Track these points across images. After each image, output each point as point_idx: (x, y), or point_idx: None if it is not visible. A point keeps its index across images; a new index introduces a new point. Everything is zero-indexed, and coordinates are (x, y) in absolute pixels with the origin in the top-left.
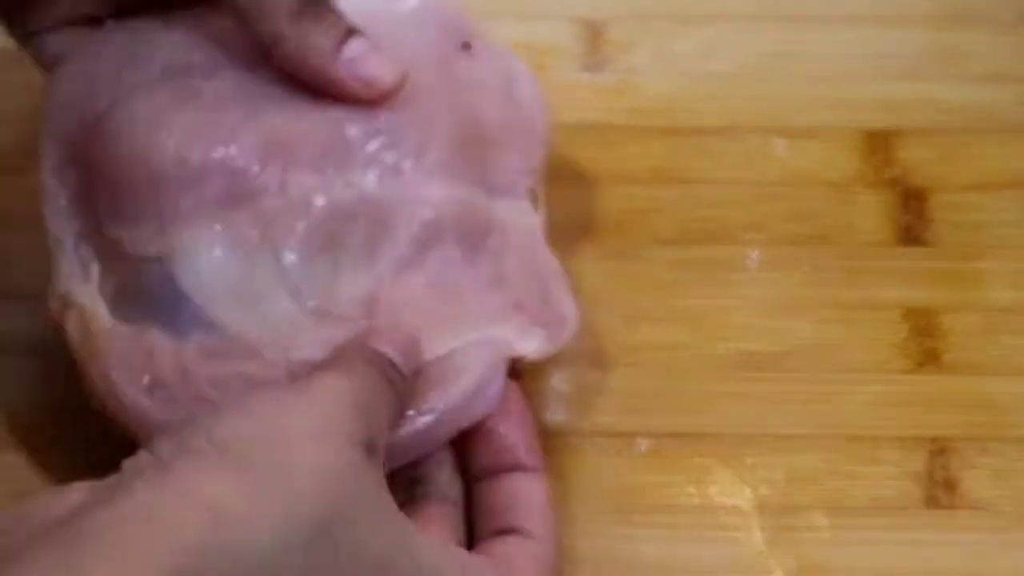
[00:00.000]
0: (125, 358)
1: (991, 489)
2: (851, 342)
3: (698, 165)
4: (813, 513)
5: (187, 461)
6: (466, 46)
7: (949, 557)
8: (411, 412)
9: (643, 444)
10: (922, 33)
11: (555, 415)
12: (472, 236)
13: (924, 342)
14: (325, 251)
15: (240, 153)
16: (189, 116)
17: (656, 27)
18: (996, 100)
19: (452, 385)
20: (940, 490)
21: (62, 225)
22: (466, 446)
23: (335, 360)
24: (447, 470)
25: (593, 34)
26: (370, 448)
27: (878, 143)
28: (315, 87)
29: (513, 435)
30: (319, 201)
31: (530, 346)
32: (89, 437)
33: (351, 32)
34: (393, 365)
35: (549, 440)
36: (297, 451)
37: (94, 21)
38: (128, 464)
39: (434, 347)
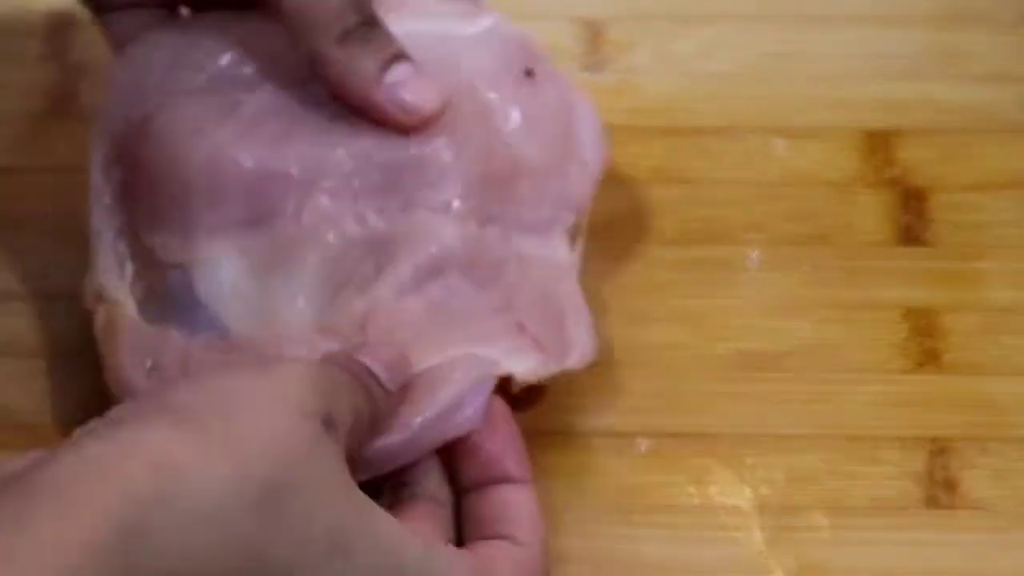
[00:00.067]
0: (135, 343)
1: (991, 489)
2: (851, 342)
3: (698, 165)
4: (813, 513)
5: (137, 420)
6: (528, 73)
7: (949, 557)
8: (392, 421)
9: (643, 444)
10: (922, 33)
11: (555, 415)
12: (481, 269)
13: (924, 342)
14: (331, 277)
15: (265, 176)
16: (225, 131)
17: (656, 27)
18: (996, 100)
19: (433, 397)
20: (940, 490)
21: (103, 221)
22: (454, 460)
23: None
24: (435, 474)
25: (593, 34)
26: (327, 423)
27: (878, 143)
28: (356, 109)
29: (500, 448)
30: (328, 236)
31: (520, 366)
32: None
33: (397, 56)
34: (370, 372)
35: (549, 440)
36: (248, 415)
37: (166, 7)
38: (81, 428)
39: (424, 362)
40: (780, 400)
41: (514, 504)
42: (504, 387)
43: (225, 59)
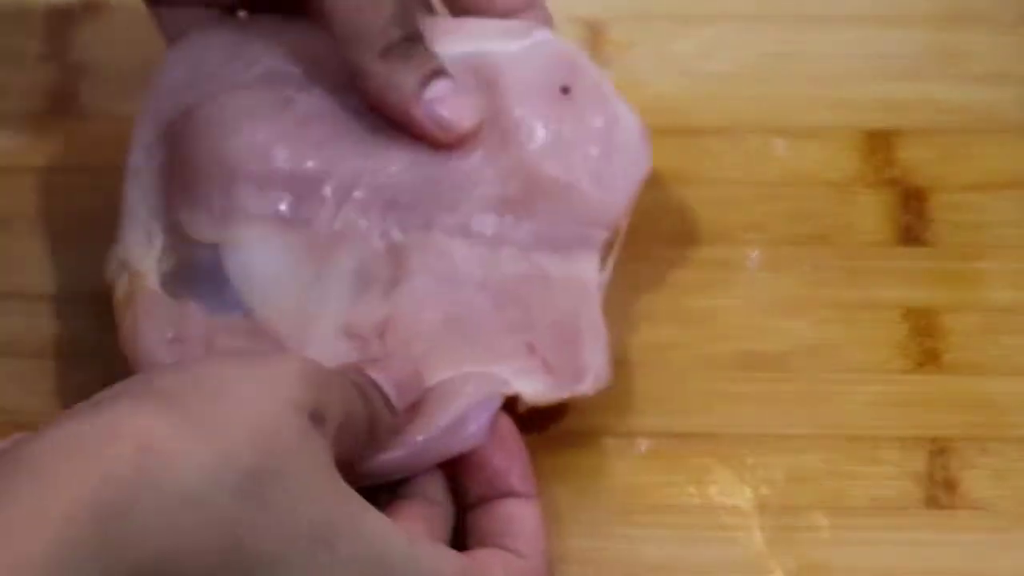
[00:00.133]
0: (157, 313)
1: (991, 489)
2: (851, 342)
3: (698, 165)
4: (813, 513)
5: (121, 401)
6: (565, 91)
7: (949, 557)
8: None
9: (643, 444)
10: (922, 33)
11: (555, 416)
12: (497, 289)
13: (924, 342)
14: (356, 282)
15: (308, 176)
16: (276, 126)
17: (656, 27)
18: (996, 100)
19: (438, 413)
20: (940, 490)
21: (139, 200)
22: (460, 475)
23: None
24: (433, 478)
25: (593, 34)
26: (315, 418)
27: (878, 143)
28: (393, 123)
29: (505, 463)
30: (356, 244)
31: (528, 388)
32: None
33: (437, 72)
34: (378, 389)
35: (549, 441)
36: (234, 403)
37: (222, 7)
38: (67, 409)
39: (436, 375)
40: (780, 400)
41: (518, 518)
42: (512, 406)
43: (278, 57)
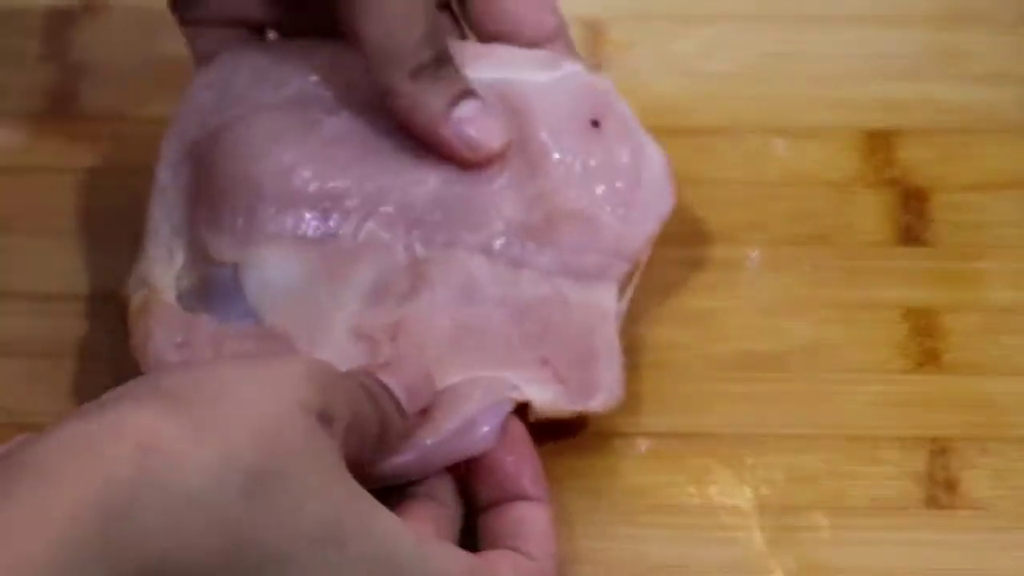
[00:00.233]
0: (167, 321)
1: (991, 489)
2: (851, 342)
3: (698, 165)
4: (813, 513)
5: (124, 401)
6: (595, 124)
7: (949, 557)
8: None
9: (643, 444)
10: (922, 33)
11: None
12: (515, 307)
13: (924, 342)
14: (372, 292)
15: (334, 196)
16: (302, 148)
17: (656, 27)
18: (996, 100)
19: (448, 416)
20: (940, 490)
21: (164, 215)
22: (471, 479)
23: None
24: (444, 482)
25: (593, 34)
26: (323, 418)
27: (878, 143)
28: (422, 142)
29: (516, 466)
30: (378, 257)
31: (539, 396)
32: None
33: (466, 93)
34: (388, 392)
35: (548, 442)
36: (238, 404)
37: (253, 28)
38: (71, 411)
39: (446, 380)
40: (780, 400)
41: (529, 520)
42: (524, 415)
43: (307, 80)
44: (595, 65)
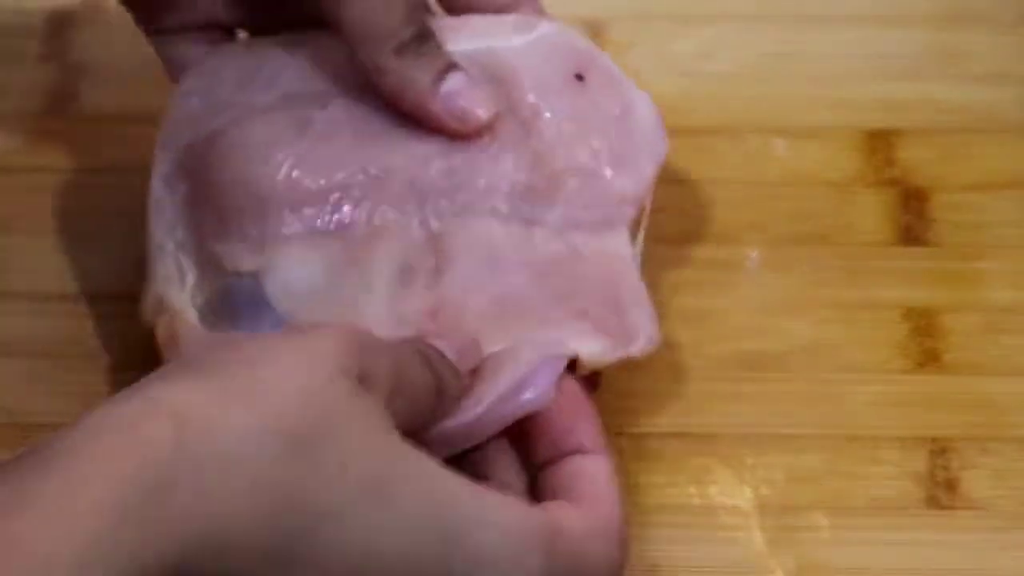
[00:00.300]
0: (201, 343)
1: (991, 489)
2: (851, 342)
3: (698, 165)
4: (813, 513)
5: (155, 382)
6: (579, 77)
7: (949, 557)
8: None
9: (643, 444)
10: (922, 33)
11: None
12: (536, 266)
13: (924, 342)
14: (400, 273)
15: (340, 187)
16: (301, 146)
17: (656, 27)
18: (996, 100)
19: (500, 378)
20: (940, 490)
21: (165, 234)
22: (528, 440)
23: None
24: (506, 460)
25: (593, 34)
26: (364, 380)
27: (878, 143)
28: (411, 118)
29: (571, 420)
30: (396, 236)
31: (586, 348)
32: None
33: (451, 66)
34: (440, 354)
35: None
36: (273, 369)
37: (222, 30)
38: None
39: (492, 348)
40: (780, 400)
41: (588, 473)
42: (573, 371)
43: (293, 76)
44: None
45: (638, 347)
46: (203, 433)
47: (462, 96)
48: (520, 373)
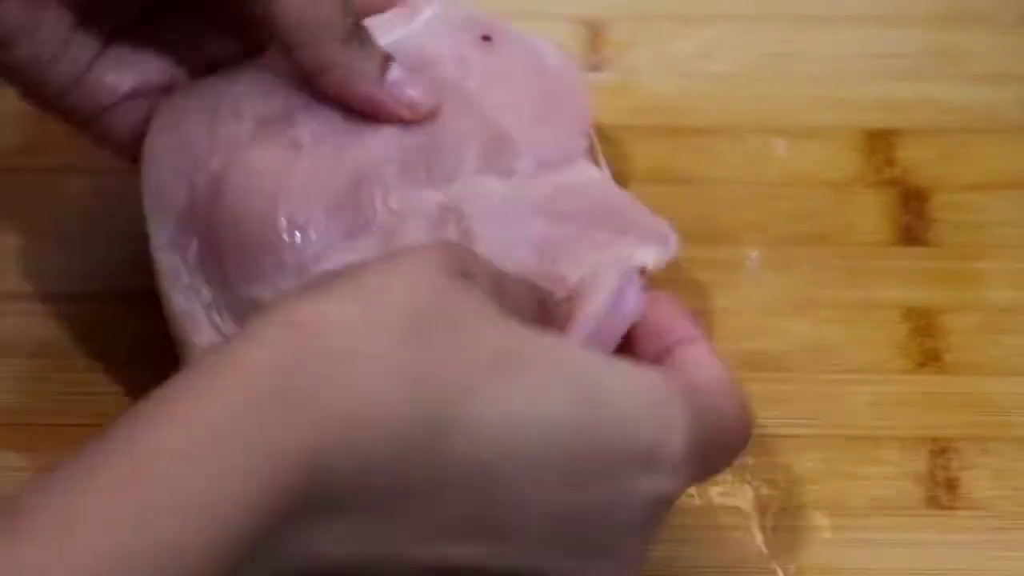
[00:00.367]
0: None
1: (991, 489)
2: (851, 342)
3: (698, 165)
4: (813, 513)
5: (254, 322)
6: (486, 39)
7: (949, 557)
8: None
9: None
10: (922, 33)
11: None
12: (544, 206)
13: (924, 342)
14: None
15: (350, 190)
16: (299, 165)
17: (656, 27)
18: (996, 100)
19: (592, 299)
20: (940, 490)
21: (190, 298)
22: (628, 351)
23: None
24: None
25: (593, 34)
26: (467, 275)
27: (878, 143)
28: (360, 111)
29: (667, 316)
30: (419, 216)
31: (649, 256)
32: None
33: (389, 57)
34: (528, 279)
35: None
36: (377, 275)
37: (159, 89)
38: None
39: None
40: (780, 400)
41: (694, 354)
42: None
43: (253, 103)
44: (595, 65)
45: (672, 243)
46: (323, 332)
47: (408, 84)
48: (613, 289)
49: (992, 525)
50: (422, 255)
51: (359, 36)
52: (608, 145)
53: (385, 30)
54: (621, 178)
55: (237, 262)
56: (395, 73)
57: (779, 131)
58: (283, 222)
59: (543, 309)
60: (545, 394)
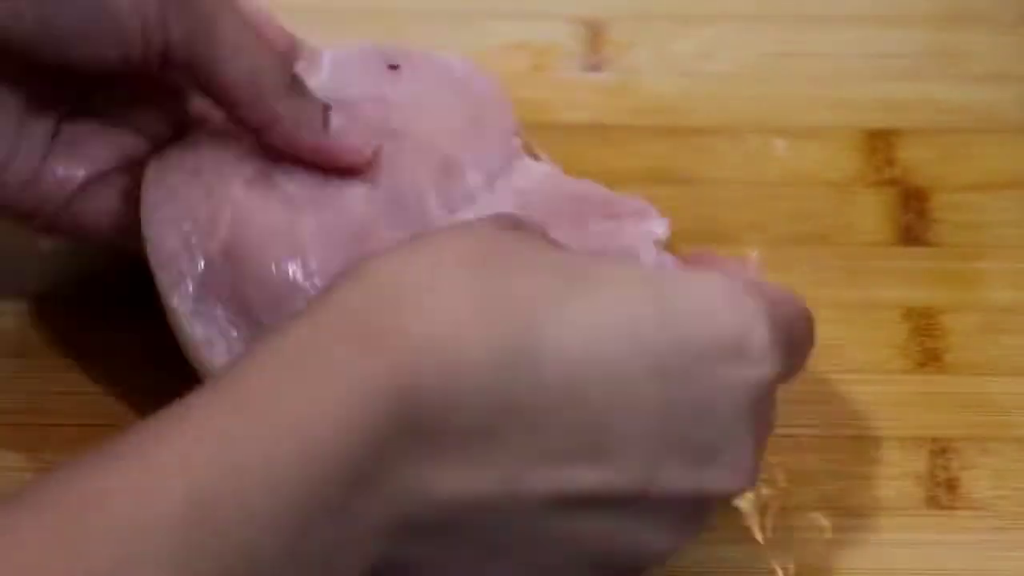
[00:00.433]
0: None
1: (991, 489)
2: (851, 342)
3: (698, 165)
4: (813, 513)
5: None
6: (393, 68)
7: (949, 557)
8: None
9: None
10: (922, 33)
11: None
12: (523, 209)
13: (924, 342)
14: None
15: (356, 250)
16: (309, 224)
17: (656, 27)
18: (996, 100)
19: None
20: (940, 490)
21: (219, 344)
22: None
23: None
24: None
25: (593, 34)
26: (520, 229)
27: (878, 143)
28: (309, 160)
29: (713, 262)
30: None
31: (658, 228)
32: (83, 438)
33: (327, 107)
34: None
35: None
36: (430, 237)
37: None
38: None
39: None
40: (780, 400)
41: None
42: None
43: (234, 166)
44: (595, 65)
45: (657, 213)
46: (400, 271)
47: (351, 133)
48: (654, 261)
49: (992, 525)
50: (477, 221)
51: (298, 88)
52: (608, 145)
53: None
54: (621, 178)
55: (268, 316)
56: (335, 121)
57: (779, 131)
58: (309, 281)
59: None
60: (622, 302)
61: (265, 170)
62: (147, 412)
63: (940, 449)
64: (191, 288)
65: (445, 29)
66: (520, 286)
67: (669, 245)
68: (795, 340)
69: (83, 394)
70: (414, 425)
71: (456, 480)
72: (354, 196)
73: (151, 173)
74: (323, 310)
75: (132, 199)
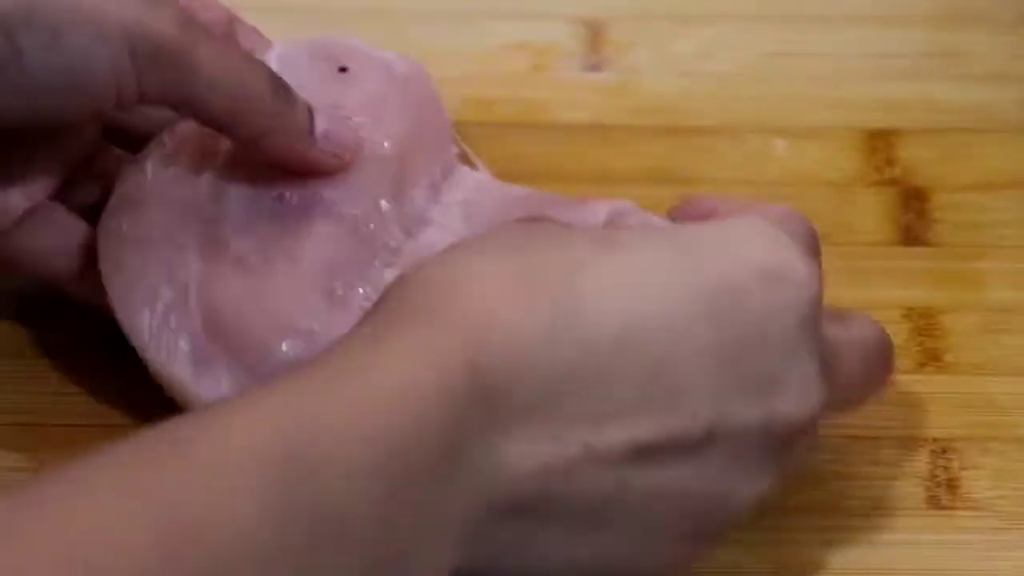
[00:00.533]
0: None
1: (991, 489)
2: None
3: (698, 165)
4: (813, 513)
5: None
6: (343, 70)
7: (949, 557)
8: None
9: None
10: (922, 33)
11: None
12: (493, 205)
13: (924, 342)
14: None
15: (327, 301)
16: (273, 287)
17: (656, 27)
18: (996, 100)
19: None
20: (941, 490)
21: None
22: None
23: None
24: None
25: (593, 34)
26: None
27: (878, 143)
28: (294, 169)
29: (713, 203)
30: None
31: (623, 200)
32: (83, 438)
33: (311, 108)
34: None
35: None
36: (468, 239)
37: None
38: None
39: None
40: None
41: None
42: None
43: (181, 228)
44: (595, 65)
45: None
46: (439, 263)
47: (334, 133)
48: (644, 220)
49: (992, 525)
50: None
51: (283, 95)
52: (608, 145)
53: None
54: (621, 178)
55: (248, 367)
56: (320, 124)
57: (779, 131)
58: (284, 345)
59: None
60: (658, 253)
61: (211, 235)
62: (148, 413)
63: (940, 449)
64: (188, 362)
65: (445, 29)
66: (556, 259)
67: None
68: (812, 250)
69: (83, 394)
70: (488, 400)
71: (531, 451)
72: (311, 239)
73: (102, 248)
74: (382, 311)
75: (76, 246)
